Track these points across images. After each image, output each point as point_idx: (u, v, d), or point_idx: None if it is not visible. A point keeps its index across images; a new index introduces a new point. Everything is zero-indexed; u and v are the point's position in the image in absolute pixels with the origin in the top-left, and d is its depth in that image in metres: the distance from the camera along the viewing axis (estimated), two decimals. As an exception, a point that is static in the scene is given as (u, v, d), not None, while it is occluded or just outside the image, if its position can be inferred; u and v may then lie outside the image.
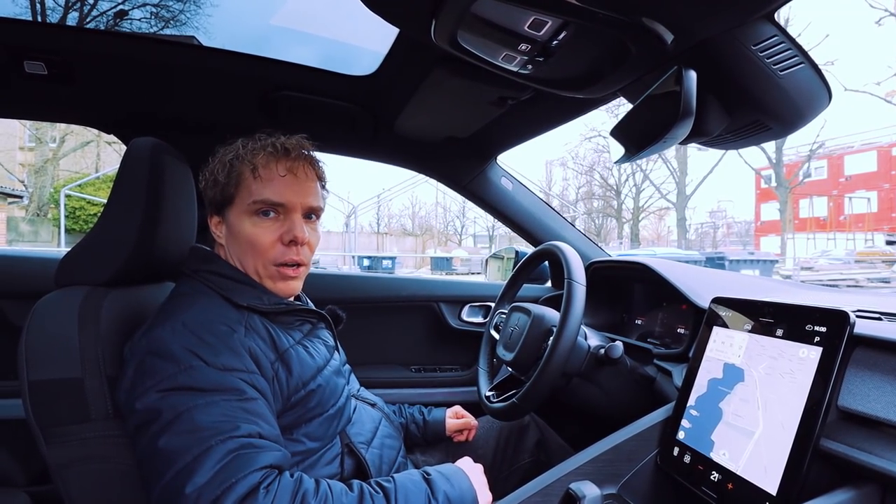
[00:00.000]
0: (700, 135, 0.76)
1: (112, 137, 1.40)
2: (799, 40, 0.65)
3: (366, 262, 15.76)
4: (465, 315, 1.71)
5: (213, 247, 0.91)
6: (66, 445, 0.73)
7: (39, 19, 1.15)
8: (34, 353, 0.74)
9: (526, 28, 0.64)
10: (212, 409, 0.68)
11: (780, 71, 0.66)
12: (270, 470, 0.67)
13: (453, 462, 0.85)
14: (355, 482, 0.74)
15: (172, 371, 0.69)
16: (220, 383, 0.70)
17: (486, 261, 2.27)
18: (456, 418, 1.23)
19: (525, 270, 1.32)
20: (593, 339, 1.08)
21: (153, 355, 0.71)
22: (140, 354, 0.72)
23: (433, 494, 0.75)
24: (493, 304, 1.42)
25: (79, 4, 1.15)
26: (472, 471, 0.83)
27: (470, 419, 1.23)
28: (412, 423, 1.20)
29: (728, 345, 0.81)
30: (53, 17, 1.23)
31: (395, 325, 1.71)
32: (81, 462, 0.74)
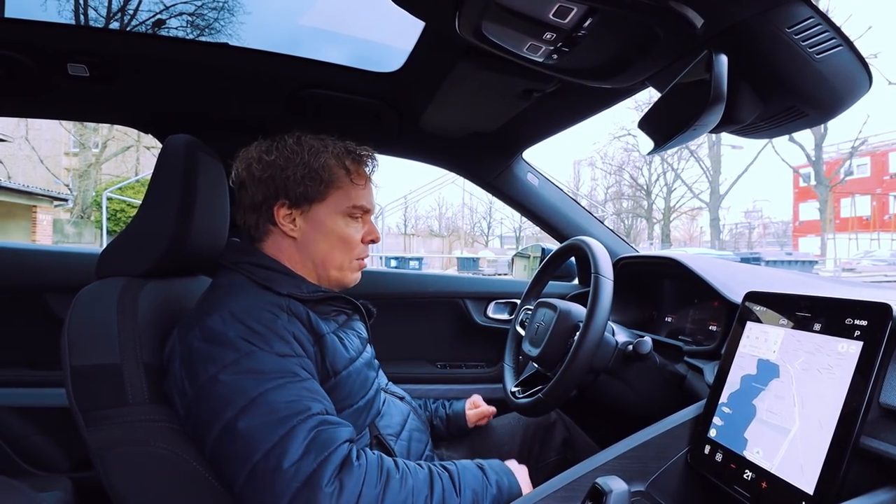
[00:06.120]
0: (732, 123, 0.73)
1: (151, 142, 1.46)
2: (839, 31, 0.62)
3: (393, 263, 15.84)
4: (490, 312, 1.70)
5: (262, 239, 0.92)
6: (105, 428, 0.76)
7: (83, 24, 1.20)
8: (76, 339, 0.78)
9: (551, 16, 0.63)
10: (282, 391, 0.71)
11: (817, 54, 0.63)
12: (351, 443, 0.72)
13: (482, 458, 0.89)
14: (423, 462, 0.79)
15: (234, 357, 0.72)
16: (280, 367, 0.73)
17: (513, 259, 2.26)
18: (473, 408, 1.23)
19: (551, 266, 1.31)
20: (621, 336, 1.06)
21: (210, 343, 0.74)
22: (195, 343, 0.75)
23: (488, 480, 0.80)
24: (518, 301, 1.41)
25: (119, 15, 1.20)
26: (517, 469, 0.88)
27: (485, 408, 1.23)
28: (436, 417, 1.20)
29: (762, 340, 0.78)
30: (96, 25, 1.28)
31: (421, 321, 1.72)
32: (119, 445, 0.76)
